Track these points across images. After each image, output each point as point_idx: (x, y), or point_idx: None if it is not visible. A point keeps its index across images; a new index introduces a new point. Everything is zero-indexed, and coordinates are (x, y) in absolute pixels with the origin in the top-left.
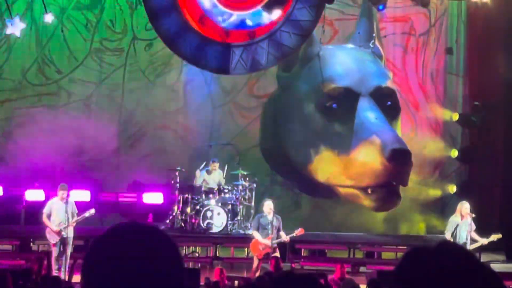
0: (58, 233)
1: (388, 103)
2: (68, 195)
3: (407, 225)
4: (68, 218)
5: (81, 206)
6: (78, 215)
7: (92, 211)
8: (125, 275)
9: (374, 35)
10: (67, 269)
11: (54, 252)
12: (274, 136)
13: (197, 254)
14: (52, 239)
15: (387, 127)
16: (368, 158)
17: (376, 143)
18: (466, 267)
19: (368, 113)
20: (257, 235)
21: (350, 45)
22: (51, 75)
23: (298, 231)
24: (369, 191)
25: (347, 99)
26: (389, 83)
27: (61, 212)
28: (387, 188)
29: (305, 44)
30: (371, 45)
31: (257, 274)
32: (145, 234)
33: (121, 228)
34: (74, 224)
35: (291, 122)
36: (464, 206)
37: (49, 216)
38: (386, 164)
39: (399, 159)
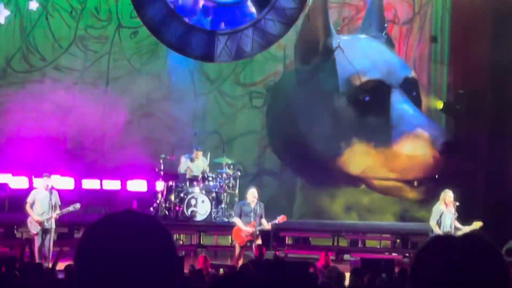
0: (40, 223)
1: (413, 94)
2: (52, 186)
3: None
4: (52, 208)
5: (65, 194)
6: (61, 208)
7: (77, 205)
8: (118, 260)
9: (386, 25)
10: (50, 258)
11: (37, 241)
12: (289, 129)
13: (181, 242)
14: (33, 228)
15: (427, 119)
16: (416, 151)
17: (423, 136)
18: (490, 263)
19: (403, 105)
20: (239, 222)
21: (362, 36)
22: (36, 63)
23: (281, 218)
24: (415, 183)
25: (379, 91)
26: (413, 74)
27: (45, 201)
28: (434, 181)
29: (323, 36)
30: (384, 35)
31: (240, 262)
32: (140, 222)
33: (116, 215)
34: (57, 216)
35: (316, 115)
36: (448, 195)
37: (32, 206)
38: (437, 157)
39: (451, 151)
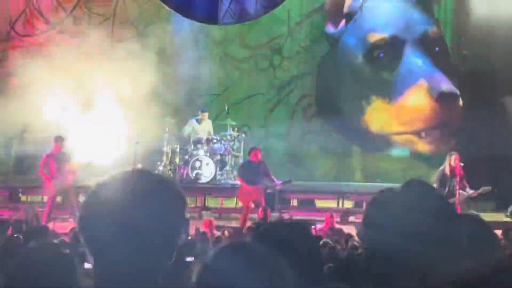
0: (54, 185)
1: (436, 49)
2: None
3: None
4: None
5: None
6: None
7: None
8: (124, 218)
9: None
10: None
11: (50, 204)
12: (328, 92)
13: None
14: (48, 191)
15: (434, 70)
16: (418, 102)
17: (424, 86)
18: (432, 206)
19: (414, 59)
20: (243, 182)
21: None
22: (39, 26)
23: (286, 181)
24: (423, 134)
25: (393, 47)
26: (436, 29)
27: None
28: (441, 130)
29: None
30: None
31: (246, 223)
32: (148, 181)
33: (129, 173)
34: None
35: (342, 76)
36: (453, 157)
37: (45, 169)
38: (435, 105)
39: (448, 100)
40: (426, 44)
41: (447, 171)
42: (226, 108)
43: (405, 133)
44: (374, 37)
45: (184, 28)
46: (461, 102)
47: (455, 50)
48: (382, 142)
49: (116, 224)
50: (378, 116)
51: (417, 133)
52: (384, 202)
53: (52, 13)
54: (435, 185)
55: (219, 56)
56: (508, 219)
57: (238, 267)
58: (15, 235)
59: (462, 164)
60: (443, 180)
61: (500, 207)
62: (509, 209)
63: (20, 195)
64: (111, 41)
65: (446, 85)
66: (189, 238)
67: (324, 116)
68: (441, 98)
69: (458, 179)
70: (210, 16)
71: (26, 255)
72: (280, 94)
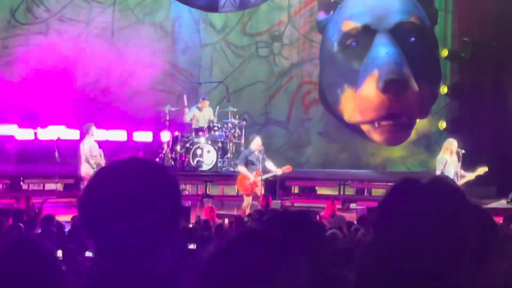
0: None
1: (411, 39)
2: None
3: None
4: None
5: (71, 145)
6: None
7: None
8: (122, 206)
9: None
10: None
11: None
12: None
13: (187, 192)
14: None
15: (393, 60)
16: (369, 92)
17: (375, 76)
18: (454, 207)
19: (380, 48)
20: (244, 171)
21: None
22: (40, 14)
23: (286, 168)
24: (376, 124)
25: (365, 36)
26: (413, 19)
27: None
28: (392, 121)
29: None
30: None
31: (247, 211)
32: (145, 168)
33: (123, 161)
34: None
35: (324, 64)
36: (453, 144)
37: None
38: (381, 96)
39: (392, 89)
40: (399, 34)
41: (448, 158)
42: (227, 95)
43: (364, 122)
44: (348, 26)
45: (185, 16)
46: (415, 93)
47: (456, 36)
48: (355, 131)
49: (113, 208)
50: (348, 105)
51: (371, 123)
52: (408, 192)
53: (53, 1)
54: (437, 172)
55: (220, 43)
56: (510, 206)
57: (255, 253)
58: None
59: (463, 151)
60: (445, 167)
61: (502, 193)
62: (510, 195)
63: (21, 183)
64: (111, 29)
65: (392, 75)
66: (191, 226)
67: (322, 103)
68: (385, 88)
69: (459, 165)
70: (210, 4)
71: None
72: (280, 81)
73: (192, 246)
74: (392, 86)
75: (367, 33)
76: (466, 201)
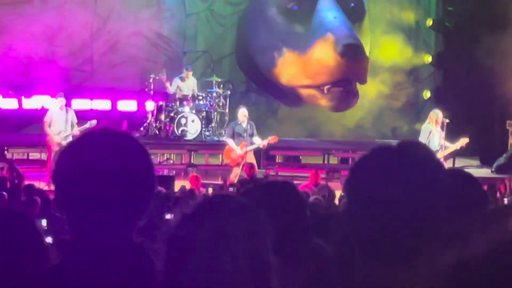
0: (59, 143)
1: (351, 5)
2: (67, 104)
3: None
4: (70, 126)
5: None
6: (78, 125)
7: (94, 122)
8: (92, 179)
9: None
10: None
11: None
12: (245, 43)
13: (171, 161)
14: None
15: (343, 24)
16: (322, 55)
17: (330, 40)
18: (426, 165)
19: (327, 12)
20: (231, 143)
21: None
22: None
23: (272, 138)
24: (325, 90)
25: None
26: None
27: (61, 121)
28: (343, 87)
29: None
30: None
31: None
32: (114, 140)
33: (93, 133)
34: (76, 134)
35: (255, 27)
36: (439, 115)
37: (49, 126)
38: (339, 60)
39: (351, 54)
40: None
41: (433, 128)
42: (211, 65)
43: (310, 86)
44: None
45: None
46: (367, 60)
47: (441, 6)
48: (292, 95)
49: (84, 181)
50: (288, 69)
51: (320, 88)
52: (378, 155)
53: None
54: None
55: (205, 12)
56: (494, 175)
57: (217, 216)
58: None
59: (447, 121)
60: (429, 137)
61: (485, 163)
62: (494, 165)
63: (5, 152)
64: None
65: (351, 39)
66: (175, 195)
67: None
68: (344, 52)
69: (443, 135)
70: None
71: None
72: None
73: (168, 216)
74: (351, 50)
75: None
76: (438, 162)
